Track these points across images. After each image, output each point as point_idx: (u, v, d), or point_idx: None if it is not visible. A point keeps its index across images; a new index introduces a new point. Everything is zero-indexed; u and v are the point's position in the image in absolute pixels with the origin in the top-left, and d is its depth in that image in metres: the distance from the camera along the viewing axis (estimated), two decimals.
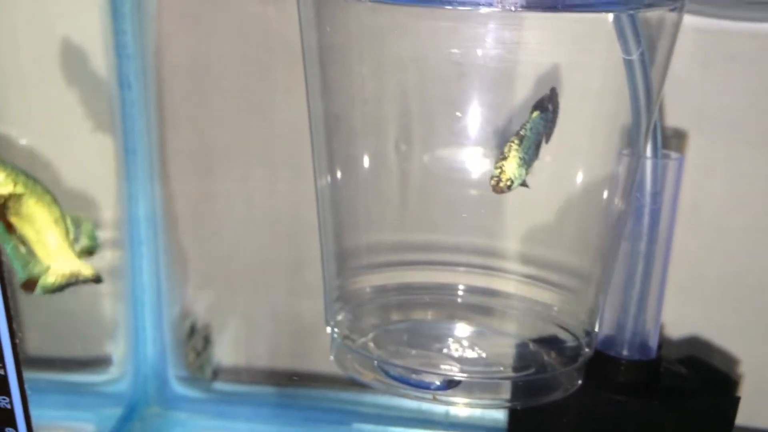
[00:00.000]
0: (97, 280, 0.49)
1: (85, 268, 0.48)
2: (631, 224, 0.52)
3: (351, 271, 0.55)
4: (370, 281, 0.56)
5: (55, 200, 0.45)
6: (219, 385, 0.72)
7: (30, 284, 0.46)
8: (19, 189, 0.43)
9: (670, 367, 0.54)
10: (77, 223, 0.47)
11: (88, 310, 0.68)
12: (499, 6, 0.42)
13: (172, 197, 0.67)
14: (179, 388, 0.70)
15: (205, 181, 0.67)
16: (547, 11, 0.45)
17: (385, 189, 0.54)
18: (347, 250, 0.54)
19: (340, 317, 0.54)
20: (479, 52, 0.49)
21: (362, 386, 0.53)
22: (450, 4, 0.43)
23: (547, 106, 0.50)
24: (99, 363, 0.70)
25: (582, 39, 0.49)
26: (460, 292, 0.55)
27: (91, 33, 0.60)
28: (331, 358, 0.53)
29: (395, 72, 0.50)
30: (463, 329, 0.55)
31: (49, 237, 0.45)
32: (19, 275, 0.45)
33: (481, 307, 0.55)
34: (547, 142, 0.49)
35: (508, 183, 0.46)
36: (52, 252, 0.45)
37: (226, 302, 0.70)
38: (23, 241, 0.45)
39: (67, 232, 0.46)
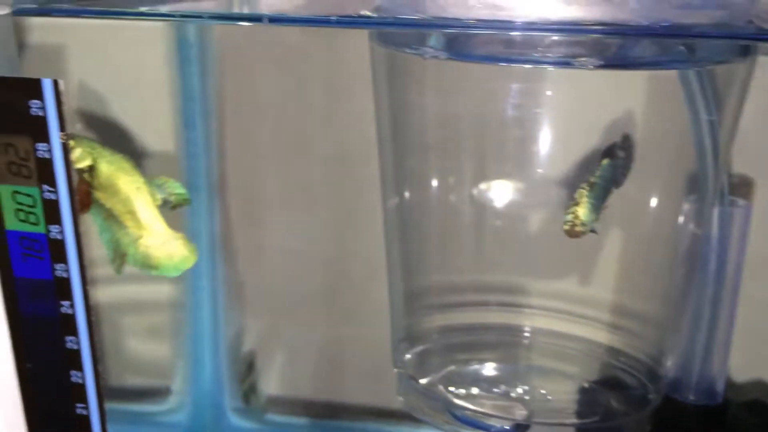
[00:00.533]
0: (180, 267, 0.45)
1: (177, 238, 0.44)
2: (699, 269, 0.53)
3: (419, 311, 0.56)
4: (438, 321, 0.56)
5: (135, 168, 0.44)
6: (272, 417, 0.72)
7: (120, 264, 0.45)
8: (96, 158, 0.43)
9: (736, 411, 0.54)
10: (160, 185, 0.45)
11: (148, 341, 0.69)
12: (577, 65, 0.43)
13: (229, 231, 0.68)
14: (235, 419, 0.70)
15: (256, 214, 0.67)
16: (618, 69, 0.45)
17: (455, 231, 0.54)
18: (415, 290, 0.55)
19: (407, 357, 0.55)
20: (548, 102, 0.50)
21: (416, 421, 0.54)
22: (528, 63, 0.44)
23: (617, 153, 0.51)
24: (158, 393, 0.70)
25: (649, 92, 0.50)
26: (528, 334, 0.56)
27: (159, 77, 0.61)
28: (400, 398, 0.54)
29: (467, 120, 0.51)
30: (530, 372, 0.55)
31: (137, 206, 0.43)
32: (110, 256, 0.45)
33: (549, 350, 0.56)
34: (617, 187, 0.50)
35: (580, 228, 0.47)
36: (142, 221, 0.44)
37: (276, 333, 0.70)
38: (112, 215, 0.44)
39: (153, 198, 0.44)
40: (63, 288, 0.44)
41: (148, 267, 0.44)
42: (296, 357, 0.70)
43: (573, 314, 0.56)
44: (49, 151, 0.40)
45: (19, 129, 0.40)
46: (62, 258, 0.43)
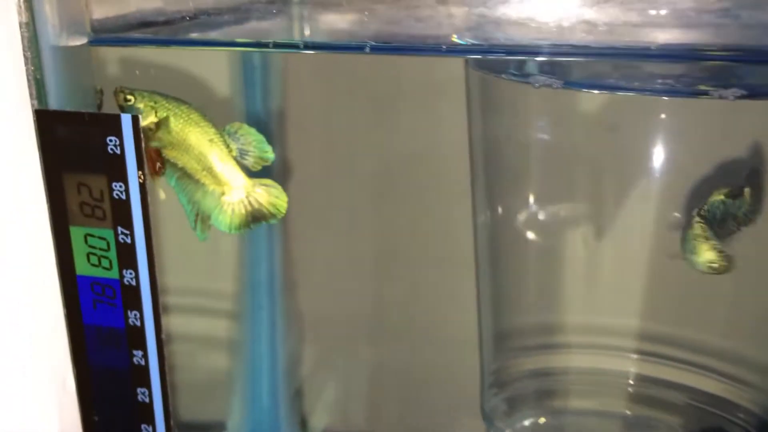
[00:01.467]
0: (272, 213, 0.40)
1: (263, 185, 0.39)
2: None
3: (510, 352, 0.51)
4: (530, 364, 0.52)
5: (204, 117, 0.39)
6: None
7: (204, 228, 0.40)
8: (162, 113, 0.38)
9: None
10: (233, 132, 0.39)
11: (204, 375, 0.66)
12: (717, 96, 0.38)
13: (288, 260, 0.65)
14: None
15: (313, 241, 0.64)
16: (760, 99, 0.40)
17: (552, 266, 0.50)
18: (507, 329, 0.51)
19: (496, 404, 0.51)
20: (663, 132, 0.45)
21: None
22: (663, 93, 0.39)
23: (738, 187, 0.46)
24: (213, 428, 0.66)
25: None
26: (630, 380, 0.51)
27: (222, 100, 0.58)
28: None
29: (573, 149, 0.47)
30: (630, 421, 0.51)
31: (212, 160, 0.38)
32: (191, 224, 0.39)
33: (650, 398, 0.51)
34: (743, 225, 0.45)
35: (703, 265, 0.43)
36: (221, 176, 0.39)
37: (329, 364, 0.67)
38: (187, 174, 0.39)
39: (228, 149, 0.39)
40: (136, 337, 0.40)
41: (237, 225, 0.39)
42: (349, 388, 0.67)
43: (680, 360, 0.51)
44: (126, 191, 0.37)
45: (94, 167, 0.36)
46: (136, 305, 0.39)
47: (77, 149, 0.36)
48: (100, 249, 0.38)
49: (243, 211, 0.39)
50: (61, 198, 0.37)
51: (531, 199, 0.48)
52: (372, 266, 0.62)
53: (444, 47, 0.34)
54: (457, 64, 0.49)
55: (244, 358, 0.65)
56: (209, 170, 0.38)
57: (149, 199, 0.37)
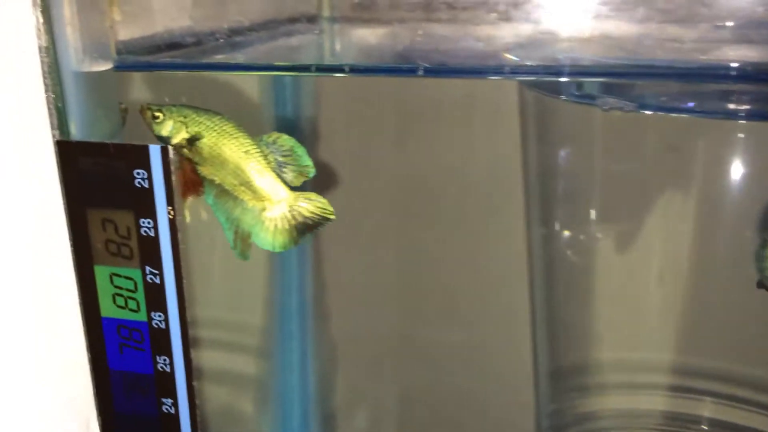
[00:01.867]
0: (325, 217, 0.36)
1: (307, 202, 0.36)
2: None
3: (568, 392, 0.47)
4: (591, 405, 0.48)
5: (238, 128, 0.36)
6: None
7: (245, 247, 0.36)
8: (193, 128, 0.35)
9: None
10: (271, 142, 0.36)
11: (235, 408, 0.64)
12: None
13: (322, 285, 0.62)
14: None
15: (341, 264, 0.61)
16: None
17: (615, 298, 0.46)
18: (565, 366, 0.47)
19: None
20: (736, 155, 0.41)
21: None
22: (744, 117, 0.35)
23: None
24: None
25: None
26: (705, 428, 0.47)
27: (253, 120, 0.55)
28: None
29: (628, 180, 0.43)
30: None
31: (249, 173, 0.35)
32: (231, 243, 0.36)
33: None
34: None
35: None
36: (261, 190, 0.35)
37: (362, 391, 0.64)
38: (225, 191, 0.36)
39: (266, 161, 0.36)
40: (165, 384, 0.37)
41: (282, 242, 0.36)
42: (380, 416, 0.64)
43: (758, 405, 0.47)
44: (154, 228, 0.34)
45: (121, 203, 0.33)
46: (165, 350, 0.36)
47: (102, 183, 0.33)
48: (127, 290, 0.35)
49: (286, 226, 0.36)
50: (85, 235, 0.35)
51: (591, 225, 0.44)
52: (404, 288, 0.59)
53: (507, 68, 0.31)
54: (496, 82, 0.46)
55: (274, 389, 0.63)
56: (247, 184, 0.35)
57: (179, 235, 0.34)
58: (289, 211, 0.36)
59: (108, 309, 0.36)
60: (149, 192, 0.33)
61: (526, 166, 0.44)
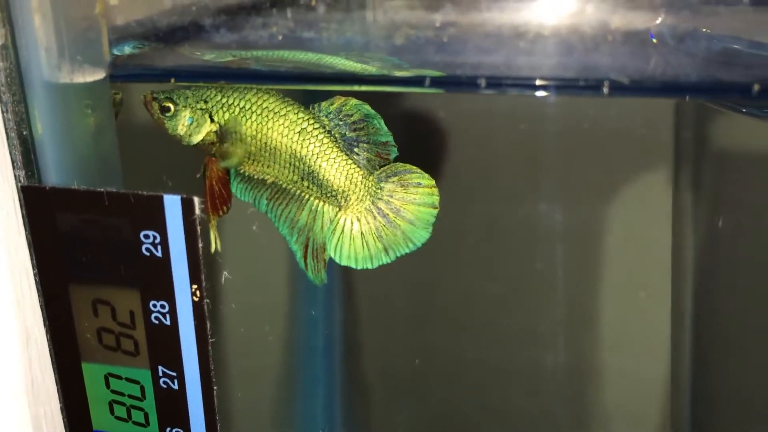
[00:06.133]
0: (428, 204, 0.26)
1: (398, 186, 0.25)
2: None
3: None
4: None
5: (283, 100, 0.25)
6: None
7: (319, 266, 0.26)
8: (221, 114, 0.24)
9: None
10: (334, 112, 0.25)
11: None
12: None
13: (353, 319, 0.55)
14: None
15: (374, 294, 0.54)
16: None
17: None
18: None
19: None
20: None
21: None
22: None
23: None
24: None
25: None
26: None
27: None
28: None
29: None
30: None
31: (311, 161, 0.25)
32: (300, 263, 0.26)
33: None
34: None
35: None
36: (329, 182, 0.25)
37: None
38: (281, 189, 0.26)
39: (331, 138, 0.25)
40: None
41: (367, 254, 0.25)
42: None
43: None
44: (171, 313, 0.23)
45: (120, 277, 0.22)
46: None
47: (93, 249, 0.22)
48: (130, 396, 0.24)
49: (370, 229, 0.25)
50: (67, 321, 0.24)
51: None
52: (445, 320, 0.52)
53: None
54: None
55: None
56: (311, 176, 0.25)
57: (208, 323, 0.23)
58: (373, 204, 0.25)
59: (102, 421, 0.25)
60: (163, 263, 0.22)
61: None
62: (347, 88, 0.25)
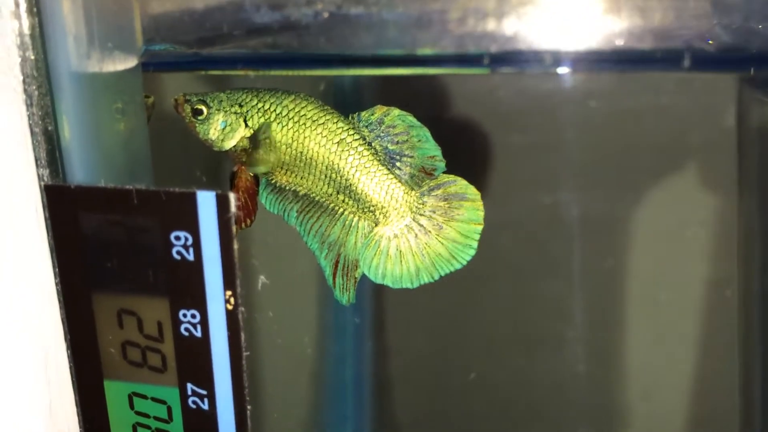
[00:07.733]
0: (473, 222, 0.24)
1: (441, 201, 0.24)
2: None
3: None
4: None
5: (322, 108, 0.24)
6: None
7: (348, 284, 0.25)
8: (256, 119, 0.23)
9: None
10: (374, 123, 0.24)
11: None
12: None
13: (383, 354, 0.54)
14: None
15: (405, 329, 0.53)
16: None
17: None
18: None
19: None
20: None
21: None
22: None
23: None
24: None
25: None
26: None
27: None
28: None
29: None
30: None
31: (348, 173, 0.23)
32: (329, 280, 0.25)
33: None
34: None
35: None
36: (367, 197, 0.24)
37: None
38: (314, 202, 0.24)
39: (371, 150, 0.24)
40: None
41: (403, 272, 0.24)
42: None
43: None
44: (203, 324, 0.21)
45: (148, 284, 0.21)
46: None
47: (118, 252, 0.20)
48: (156, 418, 0.22)
49: (410, 247, 0.24)
50: (89, 333, 0.22)
51: None
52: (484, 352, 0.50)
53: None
54: None
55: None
56: (348, 190, 0.24)
57: (243, 336, 0.21)
58: (415, 221, 0.24)
59: None
60: (195, 267, 0.20)
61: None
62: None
